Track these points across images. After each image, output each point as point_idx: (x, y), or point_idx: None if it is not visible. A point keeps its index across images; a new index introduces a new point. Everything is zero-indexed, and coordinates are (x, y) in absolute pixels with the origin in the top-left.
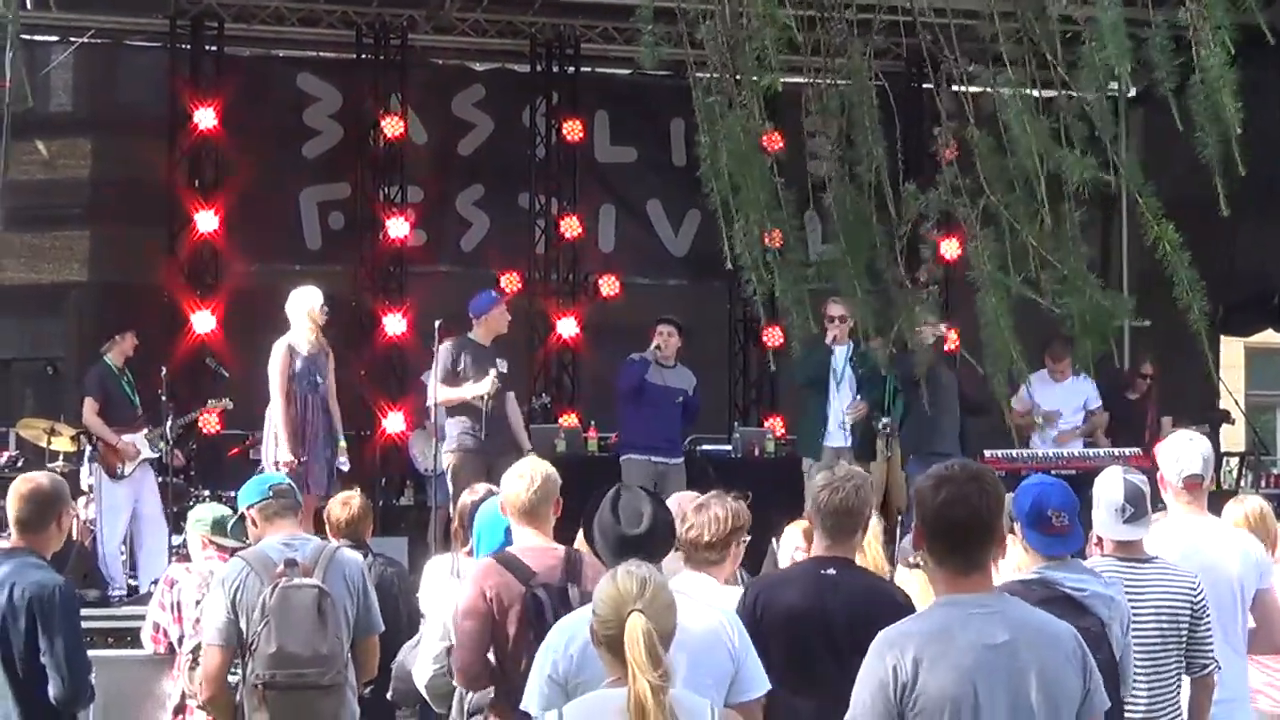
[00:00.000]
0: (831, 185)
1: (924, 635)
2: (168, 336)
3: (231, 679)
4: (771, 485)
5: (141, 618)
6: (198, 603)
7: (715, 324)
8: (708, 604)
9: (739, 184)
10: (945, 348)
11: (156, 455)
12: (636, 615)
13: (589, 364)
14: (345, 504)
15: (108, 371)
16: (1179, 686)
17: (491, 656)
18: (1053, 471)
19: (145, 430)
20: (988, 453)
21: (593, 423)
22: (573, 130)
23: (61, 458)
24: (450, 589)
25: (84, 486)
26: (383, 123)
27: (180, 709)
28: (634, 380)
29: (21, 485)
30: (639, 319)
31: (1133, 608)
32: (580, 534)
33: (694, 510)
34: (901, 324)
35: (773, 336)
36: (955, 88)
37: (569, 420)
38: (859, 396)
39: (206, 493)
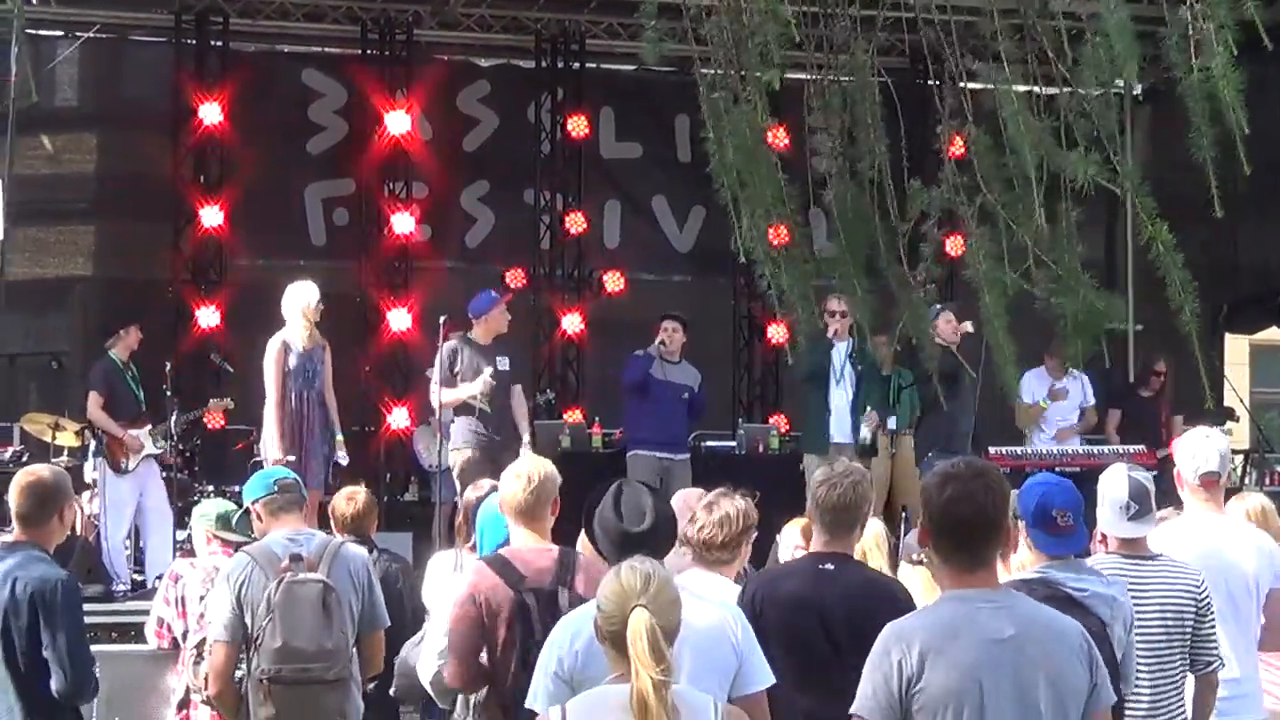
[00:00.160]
0: (832, 182)
1: (930, 629)
2: (172, 332)
3: (236, 673)
4: (775, 482)
5: (145, 613)
6: (202, 598)
7: (720, 320)
8: (712, 599)
9: (745, 180)
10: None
11: (159, 452)
12: (640, 610)
13: (593, 360)
14: (350, 499)
15: (112, 366)
16: (1183, 684)
17: (484, 659)
18: (1057, 469)
19: (149, 426)
20: (992, 450)
21: (597, 419)
22: (578, 126)
23: (66, 452)
24: (454, 585)
25: (88, 481)
26: (387, 118)
27: (184, 704)
28: (639, 376)
29: (23, 479)
30: (644, 315)
31: (1136, 605)
32: (582, 533)
33: (704, 510)
34: (906, 321)
35: (779, 332)
36: (958, 84)
37: (574, 416)
38: (860, 396)
39: (211, 488)
